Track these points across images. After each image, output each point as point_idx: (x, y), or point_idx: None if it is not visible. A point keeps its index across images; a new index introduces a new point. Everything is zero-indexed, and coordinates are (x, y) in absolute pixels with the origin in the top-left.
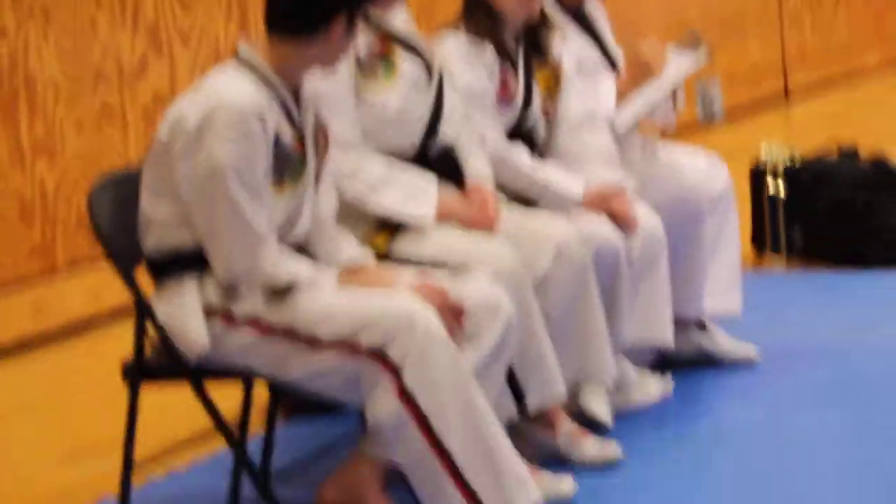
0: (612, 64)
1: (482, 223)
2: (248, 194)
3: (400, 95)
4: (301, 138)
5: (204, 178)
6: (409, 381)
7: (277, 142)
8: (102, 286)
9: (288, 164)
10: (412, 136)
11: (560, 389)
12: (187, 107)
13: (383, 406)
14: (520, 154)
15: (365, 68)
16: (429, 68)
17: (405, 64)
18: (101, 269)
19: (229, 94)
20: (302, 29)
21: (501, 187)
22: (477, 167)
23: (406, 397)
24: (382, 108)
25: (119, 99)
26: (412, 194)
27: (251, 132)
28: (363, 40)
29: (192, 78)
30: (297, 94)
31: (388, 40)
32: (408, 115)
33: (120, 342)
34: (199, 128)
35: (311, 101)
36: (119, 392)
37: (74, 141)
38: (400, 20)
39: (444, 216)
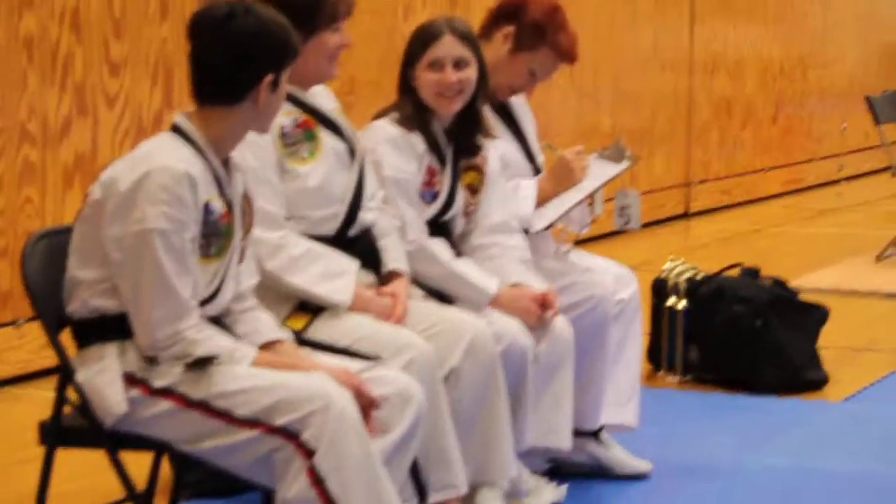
0: (534, 163)
1: (389, 318)
2: (174, 260)
3: (323, 168)
4: (230, 208)
5: (133, 241)
6: (321, 464)
7: (207, 210)
8: (2, 347)
9: (216, 235)
10: (333, 211)
11: (461, 485)
12: (121, 170)
13: (294, 487)
14: (439, 245)
15: (288, 141)
16: (351, 149)
17: (328, 139)
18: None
19: (163, 159)
20: (229, 96)
21: (417, 280)
22: (394, 256)
23: (316, 480)
24: (305, 178)
25: (41, 157)
26: (330, 275)
27: (182, 198)
28: (288, 115)
29: (114, 141)
30: (226, 163)
31: (312, 117)
32: (330, 189)
33: (18, 403)
34: (131, 190)
35: (239, 171)
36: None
37: None
38: (324, 99)
39: (356, 306)
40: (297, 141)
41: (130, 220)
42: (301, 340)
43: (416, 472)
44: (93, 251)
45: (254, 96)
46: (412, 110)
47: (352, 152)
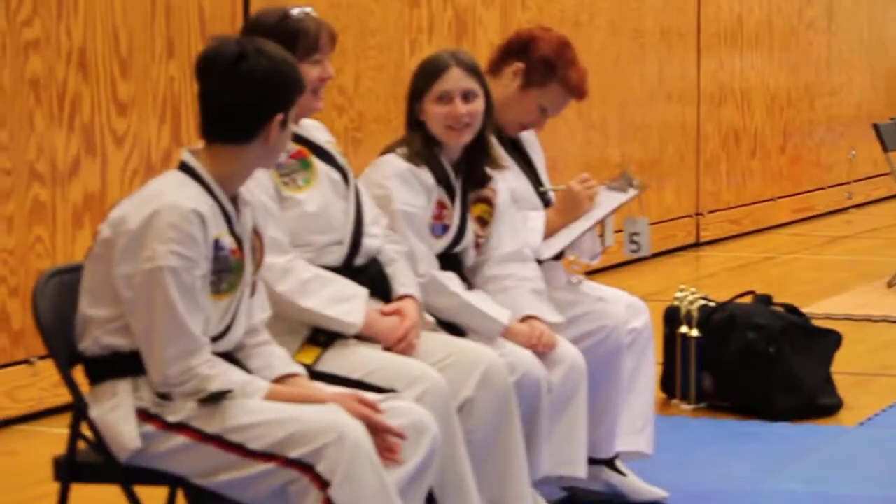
0: (544, 198)
1: (400, 348)
2: (186, 297)
3: (320, 193)
4: (240, 244)
5: (143, 279)
6: (336, 496)
7: (217, 247)
8: (15, 385)
9: (226, 271)
10: (337, 237)
11: None
12: (130, 208)
13: None
14: (450, 278)
15: (283, 171)
16: (345, 177)
17: (323, 167)
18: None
19: (172, 197)
20: (240, 135)
21: (430, 311)
22: (403, 282)
23: None
24: (304, 204)
25: (51, 197)
26: (341, 298)
27: (192, 235)
28: None
29: (123, 179)
30: (235, 200)
31: (305, 147)
32: (330, 214)
33: (32, 440)
34: (140, 229)
35: (248, 207)
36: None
37: (3, 237)
38: (318, 132)
39: (368, 330)
40: (293, 170)
41: (141, 259)
42: (313, 374)
43: (432, 503)
44: (104, 289)
45: (265, 135)
46: (421, 144)
47: (346, 181)
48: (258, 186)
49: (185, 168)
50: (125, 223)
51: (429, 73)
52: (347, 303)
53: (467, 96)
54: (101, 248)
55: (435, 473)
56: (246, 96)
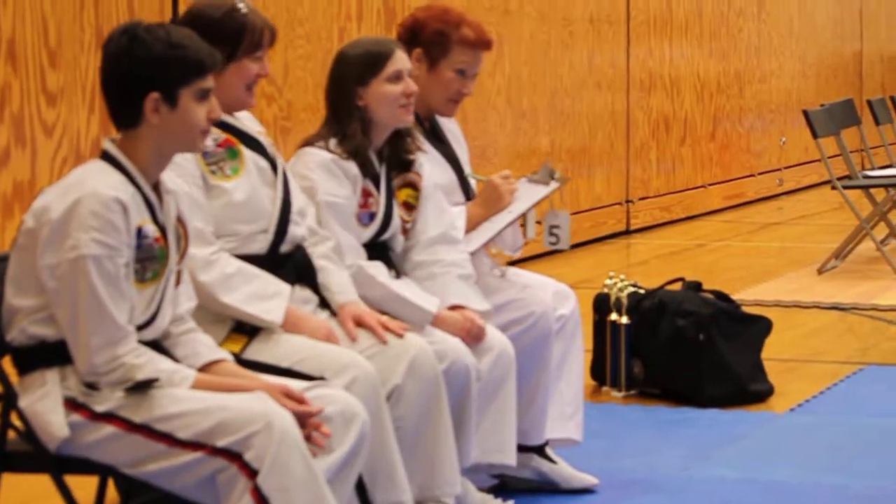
0: (466, 191)
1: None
2: (109, 285)
3: (248, 183)
4: (163, 233)
5: (67, 269)
6: (264, 484)
7: (140, 235)
8: None
9: (150, 259)
10: (262, 226)
11: (408, 501)
12: (52, 198)
13: None
14: (377, 268)
15: (210, 159)
16: (273, 166)
17: (251, 155)
18: None
19: (93, 185)
20: (124, 119)
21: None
22: (340, 288)
23: (260, 499)
24: (231, 193)
25: None
26: (263, 296)
27: (114, 223)
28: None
29: (52, 169)
30: (157, 188)
31: (234, 136)
32: (257, 203)
33: None
34: (62, 218)
35: (171, 195)
36: None
37: None
38: (248, 122)
39: (293, 329)
40: (220, 159)
41: (63, 248)
42: (241, 362)
43: (361, 490)
44: (29, 280)
45: (146, 117)
46: (361, 134)
47: (274, 169)
48: (184, 175)
49: (106, 157)
50: (48, 213)
51: (376, 56)
52: (269, 300)
53: (409, 75)
54: (25, 238)
55: (364, 461)
56: (113, 79)
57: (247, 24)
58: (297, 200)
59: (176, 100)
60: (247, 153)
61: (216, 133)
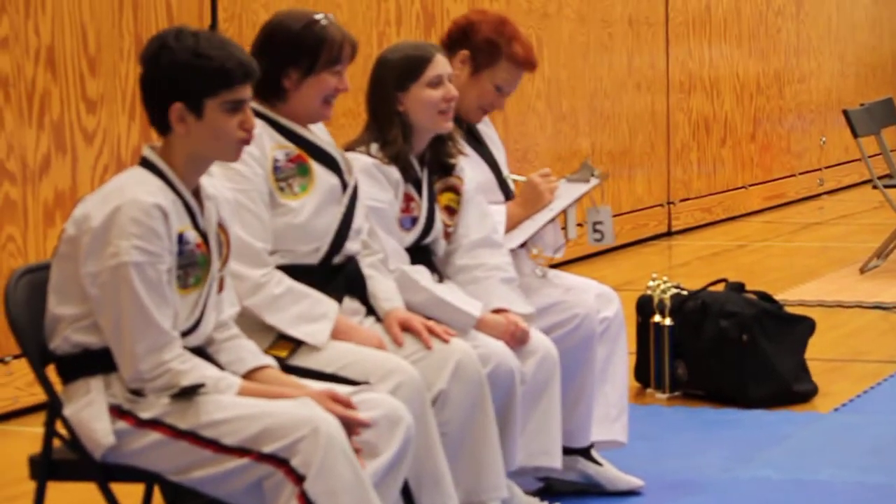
0: (504, 191)
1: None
2: (152, 291)
3: (314, 202)
4: (205, 239)
5: (109, 276)
6: (311, 489)
7: (182, 241)
8: None
9: (193, 265)
10: (318, 244)
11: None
12: (92, 206)
13: None
14: (420, 272)
15: (280, 175)
16: (343, 182)
17: (322, 173)
18: None
19: (133, 192)
20: (157, 126)
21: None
22: (388, 296)
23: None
24: (296, 213)
25: (21, 195)
26: (309, 318)
27: (154, 230)
28: (281, 149)
29: (93, 177)
30: (197, 194)
31: (306, 150)
32: (318, 224)
33: (7, 440)
34: (103, 226)
35: (212, 201)
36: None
37: None
38: (319, 132)
39: (342, 336)
40: (290, 175)
41: (105, 256)
42: (287, 368)
43: (408, 495)
44: (71, 288)
45: (172, 126)
46: (402, 139)
47: (344, 185)
48: (241, 185)
49: (146, 164)
50: (88, 221)
51: (417, 61)
52: (315, 323)
53: (450, 80)
54: (66, 247)
55: (410, 465)
56: (146, 87)
57: (326, 38)
58: (359, 219)
59: (202, 110)
60: (318, 170)
61: (289, 147)
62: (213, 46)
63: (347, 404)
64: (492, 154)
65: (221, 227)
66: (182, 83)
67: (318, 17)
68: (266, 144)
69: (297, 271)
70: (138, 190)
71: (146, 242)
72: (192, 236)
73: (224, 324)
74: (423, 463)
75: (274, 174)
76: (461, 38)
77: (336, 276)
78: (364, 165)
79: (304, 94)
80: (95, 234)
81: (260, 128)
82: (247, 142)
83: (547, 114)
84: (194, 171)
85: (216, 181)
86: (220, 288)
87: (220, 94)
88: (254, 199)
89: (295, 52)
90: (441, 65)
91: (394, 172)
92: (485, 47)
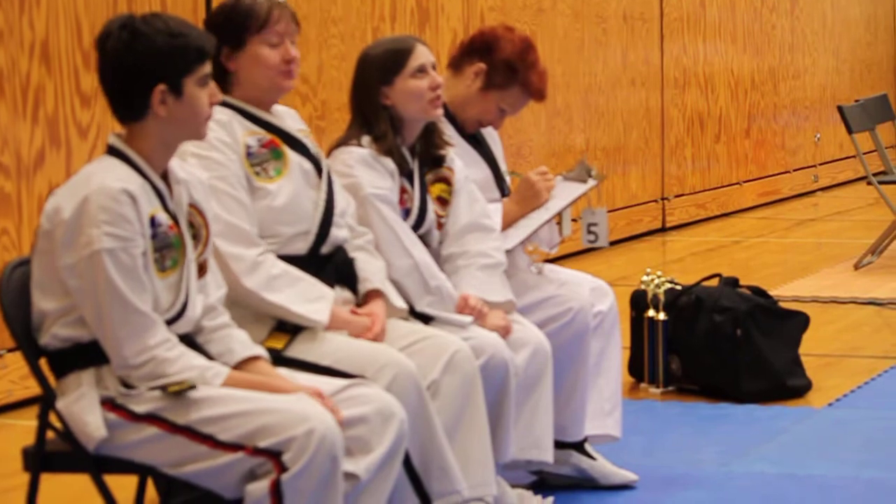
0: (502, 189)
1: (367, 336)
2: (127, 276)
3: (291, 184)
4: (175, 221)
5: (85, 266)
6: (286, 483)
7: (154, 224)
8: None
9: (168, 247)
10: (304, 228)
11: (463, 489)
12: (62, 198)
13: (255, 489)
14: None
15: (254, 160)
16: (318, 167)
17: (295, 157)
18: None
19: (100, 180)
20: (129, 112)
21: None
22: (367, 275)
23: (276, 493)
24: (274, 195)
25: (16, 189)
26: (309, 298)
27: (124, 215)
28: (252, 135)
29: None
30: (166, 177)
31: (278, 136)
32: (299, 205)
33: (1, 432)
34: (74, 216)
35: (182, 185)
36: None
37: None
38: (291, 121)
39: (334, 326)
40: (265, 160)
41: (79, 246)
42: (282, 359)
43: (418, 483)
44: (52, 282)
45: (153, 110)
46: (390, 129)
47: (318, 171)
48: (214, 169)
49: (112, 151)
50: (60, 214)
51: (398, 54)
52: (315, 303)
53: (434, 69)
54: (42, 242)
55: (416, 456)
56: (116, 74)
57: (252, 8)
58: (340, 202)
59: (181, 89)
60: (290, 154)
61: (260, 133)
62: (181, 25)
63: (332, 410)
64: (489, 150)
65: (195, 208)
66: (164, 65)
67: None
68: (237, 131)
69: (286, 262)
70: (105, 177)
71: (117, 228)
72: (164, 218)
73: (212, 307)
74: (428, 452)
75: (248, 159)
76: (482, 50)
77: (325, 266)
78: (360, 156)
79: (247, 70)
80: (68, 226)
81: (228, 115)
82: (211, 117)
83: (541, 109)
84: (164, 155)
85: (192, 169)
86: (203, 272)
87: (196, 70)
88: (232, 183)
89: (226, 27)
90: (423, 54)
91: (389, 163)
92: (502, 68)
